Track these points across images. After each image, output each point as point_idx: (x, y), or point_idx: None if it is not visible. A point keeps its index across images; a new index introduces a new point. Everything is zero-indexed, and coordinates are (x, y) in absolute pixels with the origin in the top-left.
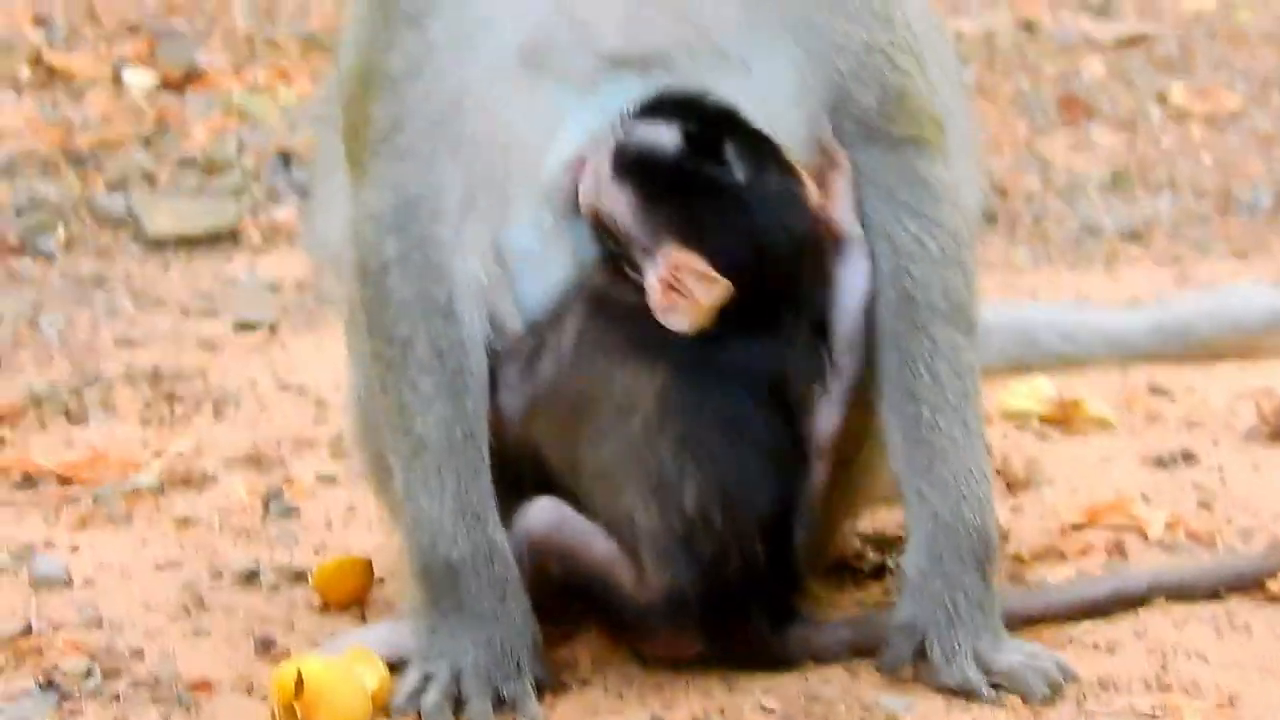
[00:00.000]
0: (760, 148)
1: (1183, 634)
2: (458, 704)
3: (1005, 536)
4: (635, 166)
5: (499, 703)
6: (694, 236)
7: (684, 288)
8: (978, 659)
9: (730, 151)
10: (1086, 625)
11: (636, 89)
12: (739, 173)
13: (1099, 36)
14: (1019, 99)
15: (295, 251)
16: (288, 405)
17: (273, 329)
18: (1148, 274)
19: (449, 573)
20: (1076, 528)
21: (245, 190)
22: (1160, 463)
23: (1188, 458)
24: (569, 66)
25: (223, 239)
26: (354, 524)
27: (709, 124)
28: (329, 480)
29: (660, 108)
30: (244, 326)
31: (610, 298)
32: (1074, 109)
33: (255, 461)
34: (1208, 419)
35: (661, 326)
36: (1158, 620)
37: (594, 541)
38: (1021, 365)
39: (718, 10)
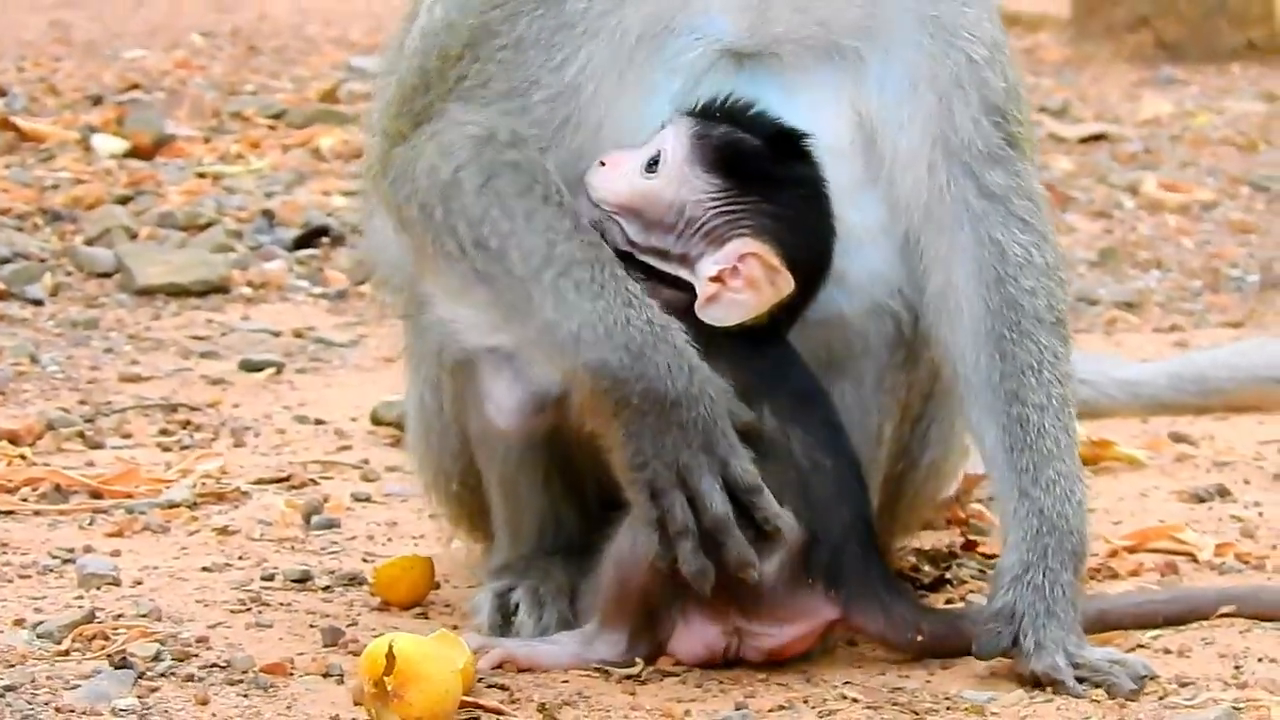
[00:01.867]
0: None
1: (1249, 640)
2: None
3: None
4: (721, 156)
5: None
6: (772, 230)
7: (749, 280)
8: (1066, 652)
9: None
10: (1154, 633)
11: (740, 83)
12: (822, 173)
13: (1064, 134)
14: None
15: (287, 303)
16: (307, 435)
17: (279, 369)
18: (1148, 340)
19: (634, 360)
20: (1128, 550)
21: (229, 248)
22: (1197, 498)
23: (1223, 494)
24: (681, 57)
25: (213, 291)
26: (397, 538)
27: (783, 127)
28: (365, 499)
29: (716, 109)
30: (250, 367)
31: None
32: (1050, 198)
33: (287, 481)
34: (1236, 461)
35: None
36: (1223, 630)
37: None
38: None
39: (839, 6)
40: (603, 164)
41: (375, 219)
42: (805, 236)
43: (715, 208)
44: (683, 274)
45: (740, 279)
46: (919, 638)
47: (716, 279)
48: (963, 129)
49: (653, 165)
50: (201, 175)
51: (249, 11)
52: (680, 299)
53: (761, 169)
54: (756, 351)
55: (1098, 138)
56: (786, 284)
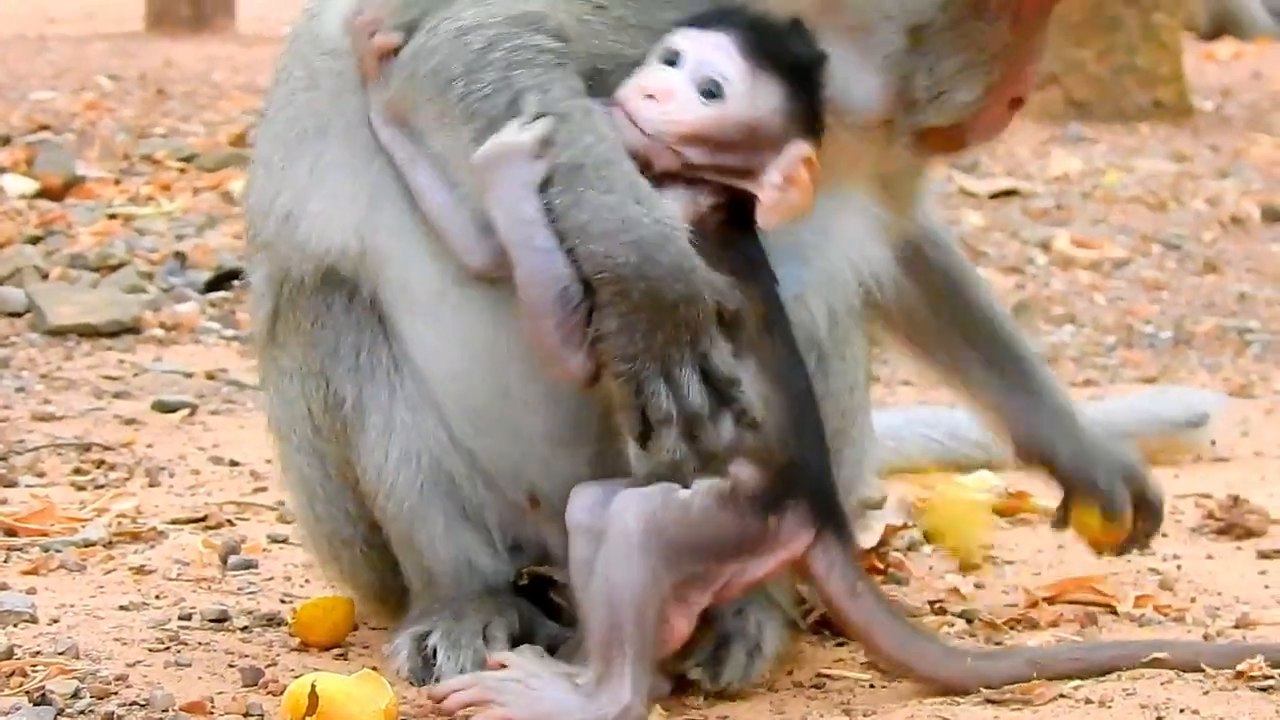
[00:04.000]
0: None
1: (1171, 691)
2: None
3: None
4: (780, 64)
5: None
6: (813, 128)
7: (805, 181)
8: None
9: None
10: (1076, 683)
11: None
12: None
13: (975, 189)
14: None
15: (199, 345)
16: (222, 476)
17: (192, 410)
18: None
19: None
20: (1047, 601)
21: (140, 289)
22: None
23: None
24: None
25: (125, 331)
26: (315, 579)
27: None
28: (282, 541)
29: (719, 18)
30: (164, 408)
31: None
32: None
33: (203, 522)
34: None
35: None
36: (1145, 682)
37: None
38: (944, 461)
39: None
40: (651, 96)
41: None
42: (822, 125)
43: (784, 116)
44: (743, 185)
45: (798, 181)
46: (857, 596)
47: (783, 184)
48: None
49: (712, 90)
50: (112, 216)
51: (155, 58)
52: (704, 205)
53: (803, 69)
54: (745, 251)
55: (1008, 193)
56: (820, 176)
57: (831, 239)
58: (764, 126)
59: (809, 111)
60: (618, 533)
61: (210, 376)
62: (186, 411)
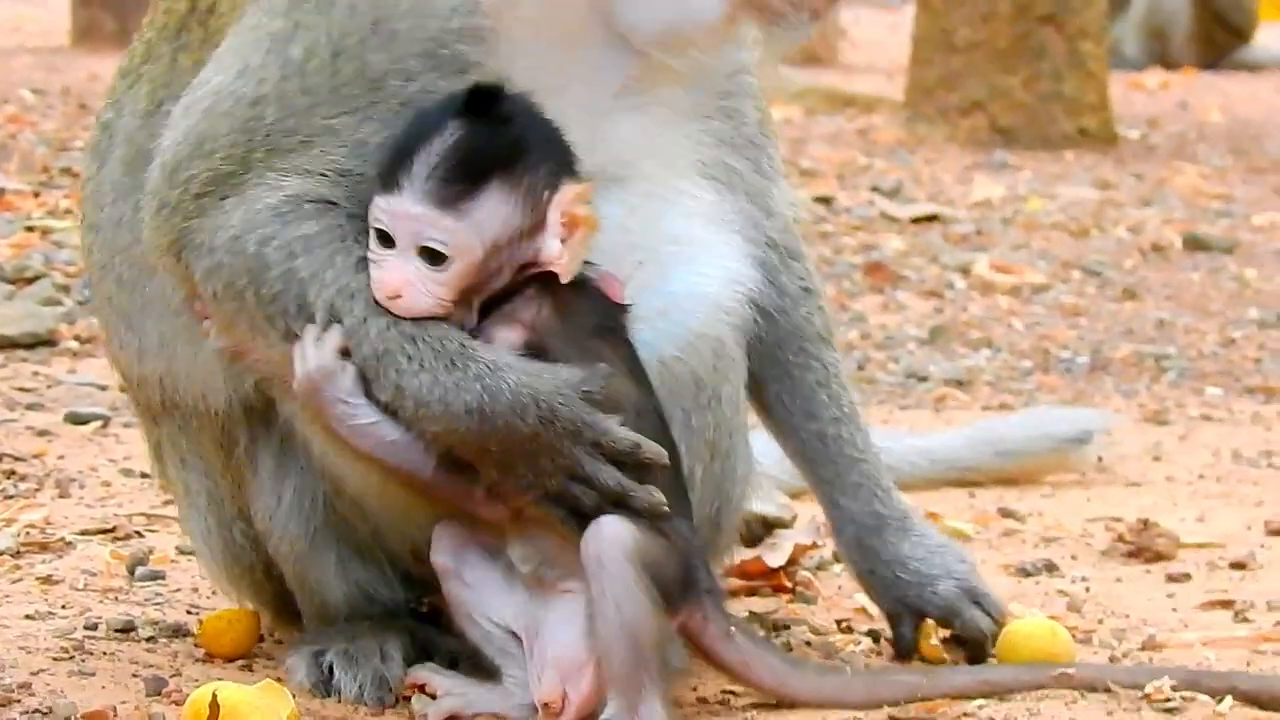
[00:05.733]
0: None
1: (1075, 711)
2: None
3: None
4: (475, 169)
5: None
6: (556, 169)
7: (577, 219)
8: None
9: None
10: (980, 703)
11: None
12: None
13: (895, 214)
14: (824, 265)
15: None
16: (133, 488)
17: (105, 423)
18: (977, 417)
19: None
20: None
21: (56, 301)
22: (1024, 571)
23: (1050, 568)
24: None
25: (40, 344)
26: (222, 592)
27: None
28: (190, 553)
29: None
30: (76, 420)
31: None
32: (880, 275)
33: (112, 533)
34: (1063, 537)
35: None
36: (1049, 701)
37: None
38: None
39: None
40: (393, 297)
41: (124, 299)
42: (566, 144)
43: (520, 201)
44: (538, 268)
45: (575, 227)
46: (730, 639)
47: (563, 244)
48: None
49: (436, 253)
50: (30, 229)
51: (80, 72)
52: (525, 309)
53: (511, 144)
54: (591, 315)
55: (930, 218)
56: (589, 191)
57: (701, 257)
58: (509, 227)
59: (544, 167)
60: (618, 565)
61: (124, 390)
62: (99, 424)
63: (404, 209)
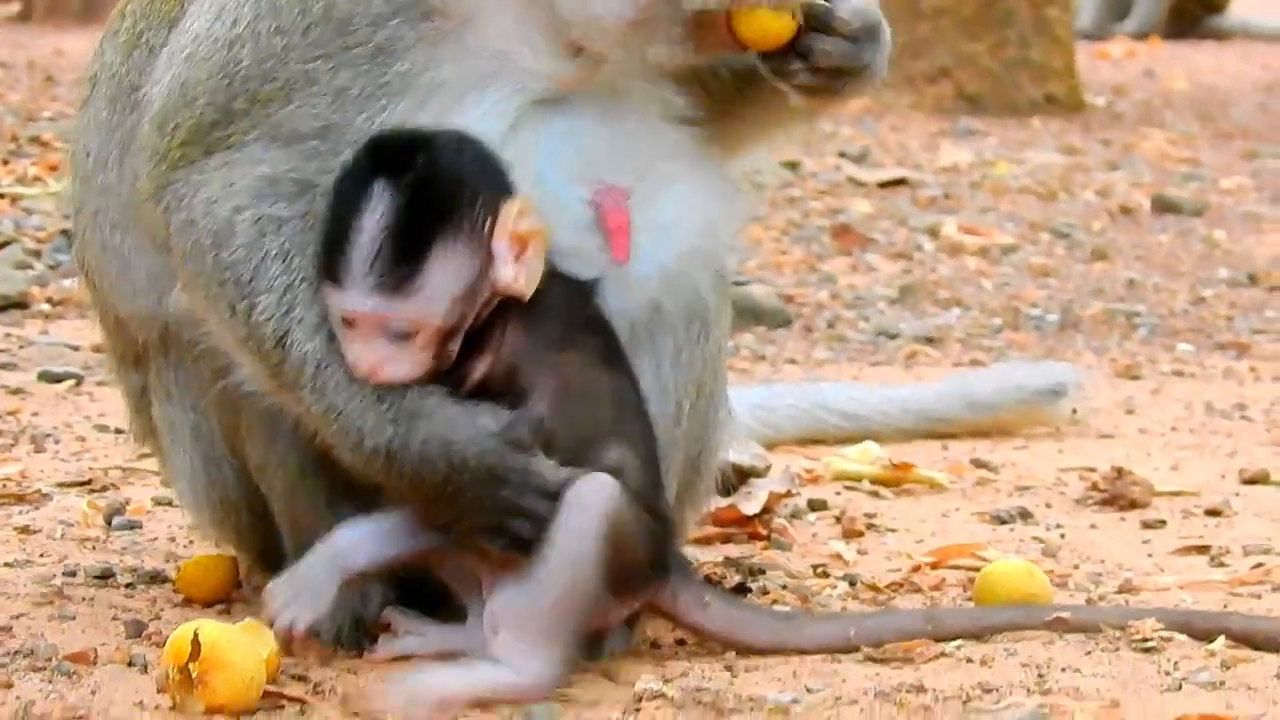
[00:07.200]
0: None
1: (1052, 651)
2: None
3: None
4: (412, 240)
5: None
6: (494, 195)
7: (524, 236)
8: None
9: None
10: (957, 643)
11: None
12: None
13: (862, 178)
14: (792, 228)
15: (86, 320)
16: (107, 443)
17: (79, 381)
18: (947, 373)
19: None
20: (930, 566)
21: (28, 266)
22: (999, 519)
23: (1025, 516)
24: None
25: (12, 306)
26: (199, 540)
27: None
28: (166, 503)
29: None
30: (50, 378)
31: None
32: (848, 238)
33: (88, 485)
34: (1036, 486)
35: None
36: (1026, 643)
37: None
38: (816, 432)
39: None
40: (374, 374)
41: (117, 239)
42: (491, 162)
43: (463, 250)
44: (502, 294)
45: (522, 245)
46: (707, 607)
47: (514, 268)
48: None
49: (400, 333)
50: (0, 196)
51: (45, 47)
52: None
53: (438, 196)
54: (555, 319)
55: (897, 182)
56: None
57: (680, 217)
58: (462, 279)
59: (478, 200)
60: (590, 516)
61: (97, 349)
62: (72, 382)
63: (356, 307)
